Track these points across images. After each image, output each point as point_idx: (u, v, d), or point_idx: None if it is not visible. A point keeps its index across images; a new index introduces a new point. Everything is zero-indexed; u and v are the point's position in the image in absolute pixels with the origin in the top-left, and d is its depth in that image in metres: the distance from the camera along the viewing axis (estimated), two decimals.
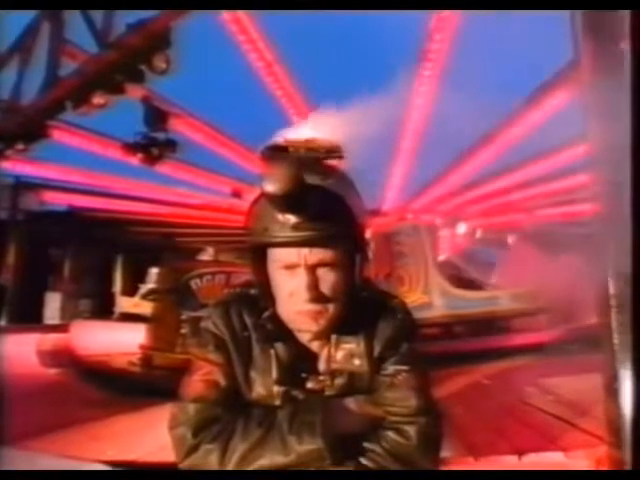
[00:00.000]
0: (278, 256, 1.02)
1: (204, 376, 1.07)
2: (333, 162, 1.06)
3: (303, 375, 1.07)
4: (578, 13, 2.66)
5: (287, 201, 0.93)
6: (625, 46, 2.43)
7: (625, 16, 2.45)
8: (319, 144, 1.03)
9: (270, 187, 0.92)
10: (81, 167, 8.78)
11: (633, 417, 2.04)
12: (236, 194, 8.87)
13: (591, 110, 2.63)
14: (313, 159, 1.02)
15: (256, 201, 1.03)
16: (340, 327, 1.06)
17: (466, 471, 2.67)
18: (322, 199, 0.97)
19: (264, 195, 0.96)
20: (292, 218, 0.96)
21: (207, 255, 10.68)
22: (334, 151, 1.04)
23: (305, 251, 0.99)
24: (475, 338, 7.36)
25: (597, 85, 2.57)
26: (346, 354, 1.07)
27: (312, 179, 0.97)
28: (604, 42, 2.59)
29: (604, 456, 2.52)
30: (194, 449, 1.01)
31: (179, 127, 6.89)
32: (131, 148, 6.37)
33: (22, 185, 9.61)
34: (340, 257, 1.02)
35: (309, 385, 1.07)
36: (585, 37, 2.66)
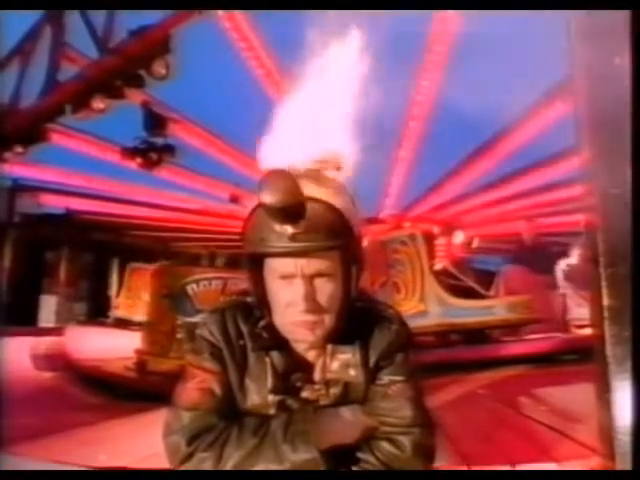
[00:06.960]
0: (275, 266, 1.02)
1: (199, 384, 1.07)
2: (330, 173, 1.07)
3: (298, 384, 1.08)
4: (573, 24, 2.68)
5: (284, 212, 0.94)
6: (621, 60, 2.45)
7: (623, 25, 2.47)
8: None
9: (268, 198, 0.93)
10: (79, 171, 8.76)
11: (632, 428, 2.04)
12: (234, 200, 8.86)
13: (587, 121, 2.65)
14: (310, 170, 1.03)
15: (254, 211, 1.03)
16: (336, 337, 1.07)
17: (459, 472, 2.67)
18: (319, 210, 0.98)
19: (261, 205, 0.97)
20: (289, 229, 0.96)
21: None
22: (331, 162, 1.05)
23: (302, 262, 0.99)
24: (470, 347, 7.35)
25: (593, 96, 2.59)
26: (341, 364, 1.08)
27: (309, 190, 0.98)
28: (600, 53, 2.61)
29: (597, 467, 2.52)
30: (188, 457, 1.01)
31: (178, 132, 6.89)
32: (130, 152, 6.38)
33: (20, 188, 9.58)
34: (337, 268, 1.03)
35: (304, 394, 1.07)
36: (581, 48, 2.68)
